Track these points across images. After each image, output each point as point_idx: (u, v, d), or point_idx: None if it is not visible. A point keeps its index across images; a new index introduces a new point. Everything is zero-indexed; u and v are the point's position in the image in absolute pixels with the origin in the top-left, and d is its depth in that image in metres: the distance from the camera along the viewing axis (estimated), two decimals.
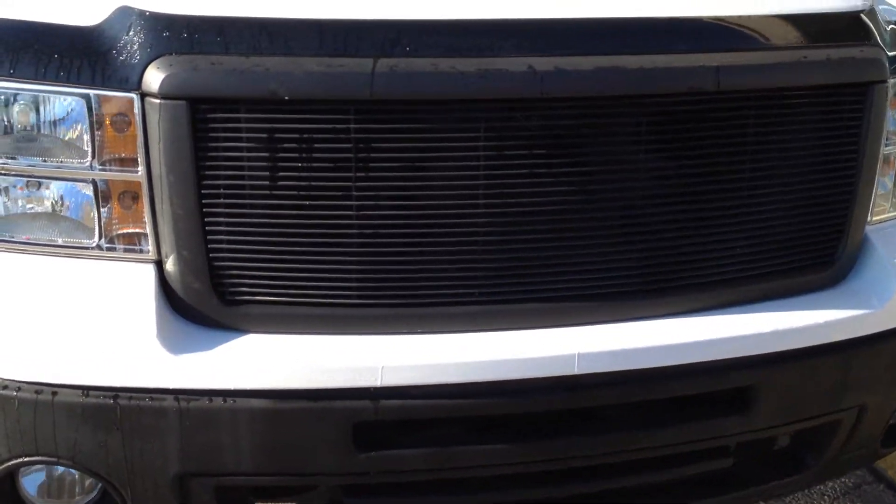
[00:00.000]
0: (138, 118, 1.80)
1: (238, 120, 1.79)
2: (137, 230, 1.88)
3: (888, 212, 2.26)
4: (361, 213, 1.85)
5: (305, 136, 1.80)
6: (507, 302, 1.95)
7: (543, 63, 1.82)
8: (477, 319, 1.94)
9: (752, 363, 2.03)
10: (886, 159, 2.20)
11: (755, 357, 2.03)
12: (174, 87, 1.76)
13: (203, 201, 1.81)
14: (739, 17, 1.97)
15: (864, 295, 2.14)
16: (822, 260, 2.14)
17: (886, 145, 2.18)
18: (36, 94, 1.83)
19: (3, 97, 1.83)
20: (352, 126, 1.80)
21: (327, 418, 1.86)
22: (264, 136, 1.80)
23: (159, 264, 1.88)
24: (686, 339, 1.98)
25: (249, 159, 1.81)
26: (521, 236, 1.91)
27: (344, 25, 1.80)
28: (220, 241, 1.85)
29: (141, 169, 1.83)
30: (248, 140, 1.80)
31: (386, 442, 1.92)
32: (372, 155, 1.82)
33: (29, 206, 1.90)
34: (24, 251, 1.89)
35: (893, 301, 2.13)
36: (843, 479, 3.44)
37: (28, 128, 1.85)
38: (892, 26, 2.21)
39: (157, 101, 1.77)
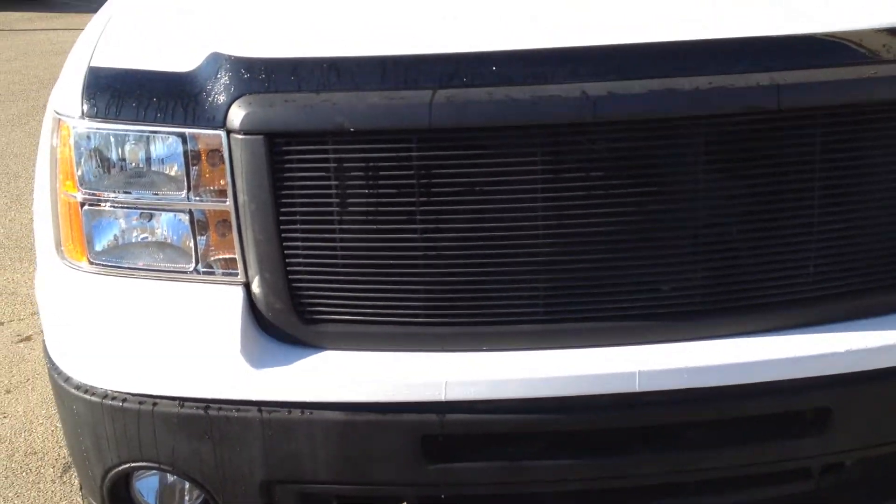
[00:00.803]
0: (225, 153, 1.99)
1: (310, 151, 1.95)
2: (229, 255, 2.06)
3: None
4: (425, 235, 1.96)
5: (371, 164, 1.94)
6: (568, 321, 2.01)
7: (596, 88, 1.89)
8: (538, 338, 2.01)
9: (827, 383, 2.01)
10: None
11: (831, 377, 2.01)
12: (252, 124, 1.93)
13: (281, 227, 1.98)
14: (800, 35, 1.98)
15: None
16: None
17: None
18: (139, 134, 2.04)
19: (112, 138, 2.06)
20: (413, 154, 1.93)
21: (397, 430, 1.97)
22: (334, 165, 1.95)
23: (247, 286, 2.05)
24: (751, 358, 1.99)
25: (321, 187, 1.96)
26: (580, 257, 1.98)
27: (404, 61, 1.93)
28: (298, 265, 2.00)
29: (229, 199, 2.02)
30: (320, 170, 1.95)
31: (455, 455, 2.01)
32: (433, 181, 1.94)
33: (138, 235, 2.12)
34: (131, 276, 2.11)
35: None
36: None
37: (135, 165, 2.08)
38: None
39: (239, 136, 1.95)
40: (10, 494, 3.53)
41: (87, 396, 2.08)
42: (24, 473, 3.65)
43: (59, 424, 3.84)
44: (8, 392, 4.24)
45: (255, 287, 2.03)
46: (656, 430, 2.03)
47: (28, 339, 4.69)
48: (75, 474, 3.54)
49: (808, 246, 2.03)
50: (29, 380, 4.32)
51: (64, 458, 3.71)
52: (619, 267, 1.99)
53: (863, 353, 2.02)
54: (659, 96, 1.91)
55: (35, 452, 3.77)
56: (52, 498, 3.49)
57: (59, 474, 3.61)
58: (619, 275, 2.00)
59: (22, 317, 4.96)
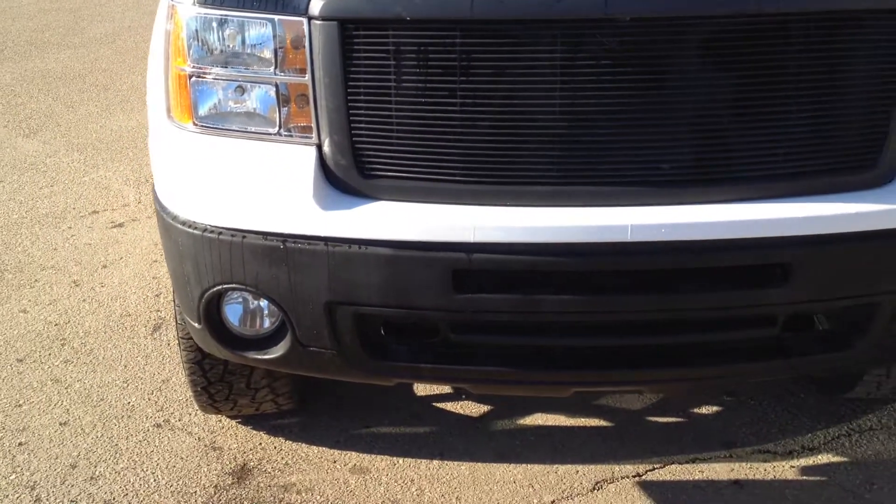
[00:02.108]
0: (306, 36, 2.46)
1: (374, 36, 2.41)
2: (305, 123, 2.54)
3: None
4: (463, 108, 2.42)
5: (422, 48, 2.40)
6: (576, 184, 2.46)
7: None
8: (552, 197, 2.46)
9: (789, 243, 2.44)
10: None
11: (792, 238, 2.44)
12: (328, 11, 2.40)
13: (349, 98, 2.45)
14: None
15: None
16: (863, 163, 2.50)
17: None
18: (239, 18, 2.52)
19: (216, 22, 2.54)
20: (457, 40, 2.38)
21: (434, 265, 2.45)
22: (392, 48, 2.41)
23: (320, 147, 2.54)
24: (729, 218, 2.43)
25: (381, 66, 2.42)
26: (588, 131, 2.42)
27: None
28: (361, 129, 2.48)
29: (307, 75, 2.49)
30: (381, 51, 2.41)
31: (479, 288, 2.49)
32: (472, 63, 2.39)
33: (235, 105, 2.61)
34: (227, 136, 2.60)
35: None
36: None
37: (234, 44, 2.55)
38: None
39: (318, 22, 2.42)
40: (108, 346, 4.11)
41: (190, 230, 2.60)
42: (120, 330, 4.24)
43: (149, 293, 4.43)
44: (104, 267, 4.82)
45: (326, 147, 2.51)
46: (645, 274, 2.48)
47: (120, 225, 5.28)
48: (164, 332, 4.12)
49: (780, 131, 2.44)
50: (122, 258, 4.90)
51: (154, 319, 4.29)
52: (621, 142, 2.43)
53: (817, 220, 2.44)
54: None
55: (129, 315, 4.35)
56: (143, 350, 4.07)
57: (150, 332, 4.19)
58: (620, 148, 2.44)
59: (115, 207, 5.54)
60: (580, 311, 2.51)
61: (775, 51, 2.40)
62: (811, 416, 3.62)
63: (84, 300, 4.50)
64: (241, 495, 3.22)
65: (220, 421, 3.57)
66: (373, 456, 3.40)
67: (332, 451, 3.42)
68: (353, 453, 3.41)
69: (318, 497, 3.22)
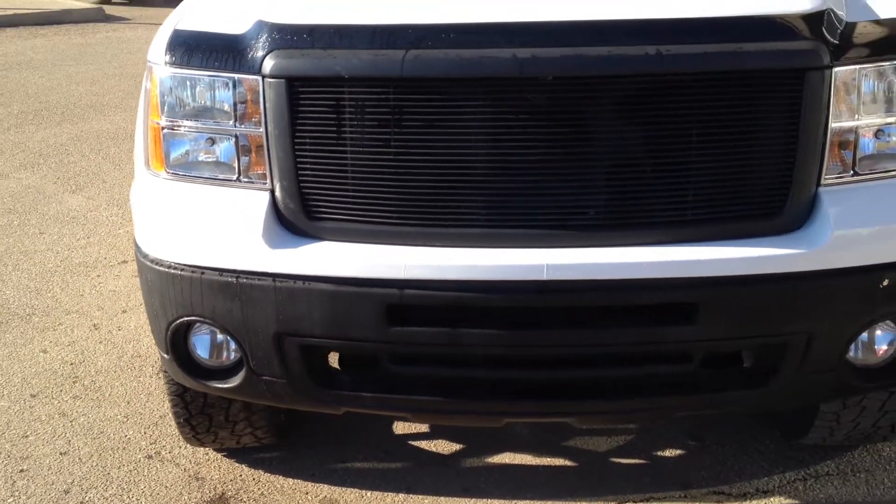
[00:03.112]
0: (261, 92, 2.74)
1: (316, 92, 2.68)
2: (261, 171, 2.81)
3: (847, 176, 2.74)
4: (397, 157, 2.66)
5: (360, 103, 2.66)
6: (503, 227, 2.68)
7: (523, 52, 2.57)
8: (481, 238, 2.68)
9: (696, 284, 2.62)
10: (837, 132, 2.69)
11: (699, 279, 2.62)
12: (277, 70, 2.68)
13: (295, 148, 2.71)
14: (685, 18, 2.61)
15: (803, 241, 2.65)
16: (770, 210, 2.68)
17: (837, 121, 2.68)
18: (203, 77, 2.81)
19: (185, 80, 2.83)
20: (391, 97, 2.64)
21: (369, 300, 2.68)
22: (334, 103, 2.67)
23: (273, 192, 2.80)
24: (639, 260, 2.62)
25: (324, 120, 2.69)
26: (512, 179, 2.64)
27: (386, 28, 2.64)
28: (307, 176, 2.73)
29: (262, 127, 2.77)
30: (323, 106, 2.68)
31: (410, 321, 2.71)
32: (404, 116, 2.65)
33: (200, 153, 2.89)
34: (193, 182, 2.88)
35: (824, 248, 2.63)
36: None
37: (200, 100, 2.84)
38: (846, 22, 2.71)
39: (270, 80, 2.70)
40: (116, 384, 4.40)
41: (157, 267, 2.88)
42: (129, 370, 4.53)
43: None
44: (124, 312, 5.14)
45: (277, 192, 2.78)
46: (561, 311, 2.68)
47: None
48: None
49: (688, 180, 2.64)
50: (142, 304, 5.19)
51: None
52: (542, 189, 2.65)
53: (723, 262, 2.62)
54: (571, 59, 2.56)
55: (140, 356, 4.65)
56: (147, 388, 4.34)
57: (156, 372, 4.46)
58: (541, 195, 2.65)
59: None
60: (503, 345, 2.71)
61: (679, 106, 2.60)
62: (771, 460, 3.73)
63: (101, 342, 4.81)
64: None
65: (207, 454, 3.81)
66: (343, 489, 3.60)
67: (305, 483, 3.64)
68: (325, 486, 3.62)
69: None
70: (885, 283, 2.70)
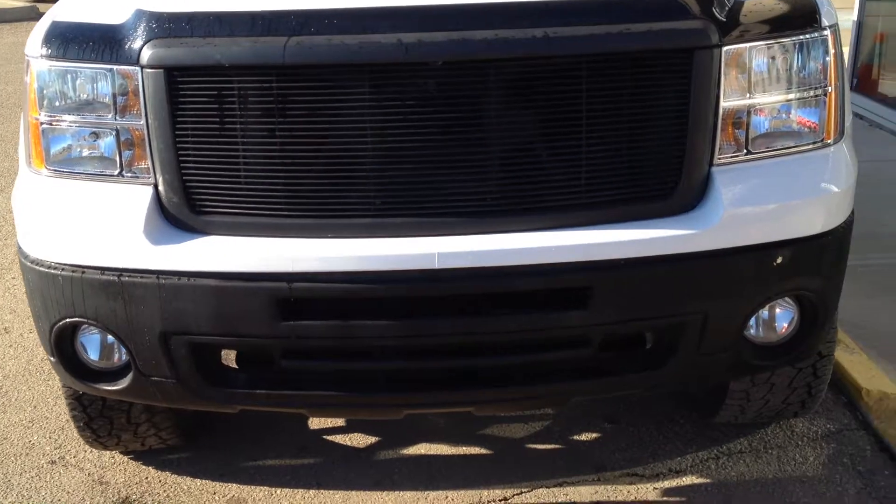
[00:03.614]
0: (140, 84, 2.64)
1: (196, 82, 2.58)
2: (144, 164, 2.71)
3: (741, 155, 2.71)
4: (283, 147, 2.59)
5: (241, 92, 2.57)
6: (393, 216, 2.61)
7: (409, 37, 2.50)
8: (371, 228, 2.61)
9: (588, 267, 2.58)
10: (729, 112, 2.67)
11: (591, 262, 2.58)
12: (155, 60, 2.58)
13: (176, 140, 2.62)
14: (573, 0, 2.56)
15: (695, 221, 2.62)
16: (661, 192, 2.64)
17: (729, 101, 2.66)
18: (80, 69, 2.70)
19: (61, 72, 2.72)
20: (273, 84, 2.56)
21: (258, 294, 2.60)
22: (215, 93, 2.58)
23: (156, 186, 2.70)
24: (530, 245, 2.57)
25: (206, 110, 2.59)
26: (401, 166, 2.58)
27: (268, 15, 2.55)
28: (190, 169, 2.64)
29: (142, 120, 2.67)
30: (204, 96, 2.59)
31: (301, 315, 2.63)
32: (289, 105, 2.56)
33: (80, 148, 2.77)
34: (77, 179, 2.77)
35: (716, 227, 2.60)
36: (825, 424, 3.78)
37: (78, 93, 2.72)
38: (735, 0, 2.68)
39: (148, 70, 2.60)
40: (23, 388, 4.28)
41: (37, 268, 2.77)
42: (37, 374, 4.40)
43: None
44: None
45: (160, 186, 2.68)
46: (455, 299, 2.62)
47: None
48: None
49: (577, 164, 2.60)
50: None
51: None
52: (431, 176, 2.59)
53: (614, 245, 2.59)
54: (457, 43, 2.50)
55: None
56: (55, 392, 4.21)
57: None
58: (430, 182, 2.59)
59: None
60: (396, 336, 2.64)
61: (568, 89, 2.55)
62: (686, 440, 3.72)
63: (11, 346, 4.67)
64: None
65: (113, 457, 3.71)
66: (252, 487, 3.53)
67: (213, 483, 3.55)
68: (234, 485, 3.54)
69: None
70: (779, 260, 2.68)
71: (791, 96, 2.72)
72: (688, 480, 3.49)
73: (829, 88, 2.77)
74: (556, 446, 3.73)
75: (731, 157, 2.70)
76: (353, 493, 3.48)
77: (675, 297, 2.65)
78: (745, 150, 2.71)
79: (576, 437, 3.77)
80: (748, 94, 2.68)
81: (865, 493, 3.40)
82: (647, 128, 2.62)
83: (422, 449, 3.73)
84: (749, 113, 2.69)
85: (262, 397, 2.81)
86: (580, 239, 2.59)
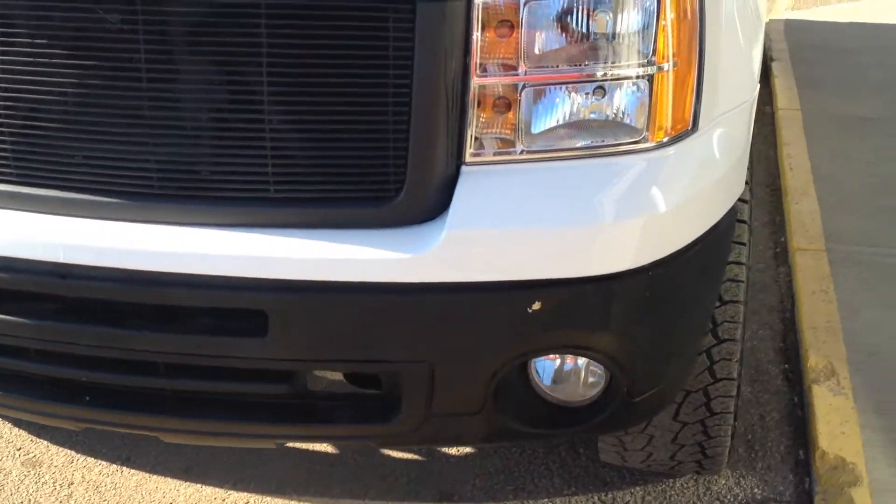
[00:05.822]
0: None
1: None
2: None
3: (510, 154, 1.92)
4: None
5: None
6: (37, 186, 2.01)
7: None
8: (10, 199, 2.03)
9: (264, 286, 1.91)
10: (488, 91, 1.87)
11: (268, 281, 1.90)
12: None
13: None
14: None
15: (410, 240, 1.87)
16: (378, 194, 1.91)
17: (488, 73, 1.86)
18: None
19: None
20: None
21: None
22: None
23: None
24: (186, 249, 1.92)
25: None
26: (39, 124, 1.97)
27: None
28: None
29: None
30: None
31: None
32: None
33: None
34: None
35: (434, 252, 1.84)
36: (754, 487, 2.96)
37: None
38: None
39: None
40: None
41: None
42: None
43: None
44: None
45: None
46: (91, 303, 2.02)
47: None
48: None
49: (259, 143, 1.90)
50: None
51: None
52: (74, 138, 1.96)
53: (302, 262, 1.89)
54: None
55: None
56: None
57: None
58: (75, 146, 1.96)
59: None
60: (35, 339, 2.08)
61: (241, 41, 1.85)
62: (567, 478, 2.98)
63: None
64: None
65: None
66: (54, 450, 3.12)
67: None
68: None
69: None
70: (537, 306, 1.90)
71: (591, 72, 1.88)
72: None
73: (665, 65, 1.91)
74: (420, 459, 3.08)
75: (495, 155, 1.92)
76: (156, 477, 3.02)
77: (386, 338, 1.94)
78: (518, 148, 1.92)
79: (435, 453, 3.10)
80: (520, 66, 1.87)
81: None
82: (353, 103, 1.87)
83: None
84: (522, 95, 1.88)
85: None
86: (256, 248, 1.90)
